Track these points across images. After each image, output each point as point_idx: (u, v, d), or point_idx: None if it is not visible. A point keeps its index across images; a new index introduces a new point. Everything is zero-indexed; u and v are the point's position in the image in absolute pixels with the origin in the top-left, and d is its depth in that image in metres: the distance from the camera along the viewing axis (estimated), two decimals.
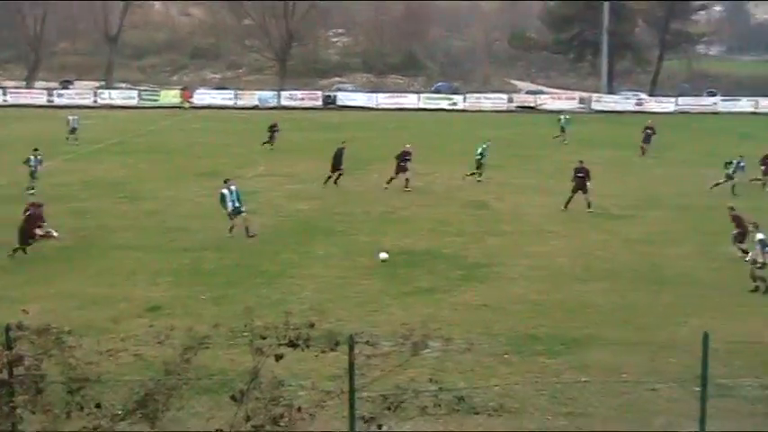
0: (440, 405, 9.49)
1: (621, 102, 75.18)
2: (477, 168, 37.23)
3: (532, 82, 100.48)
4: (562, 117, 54.23)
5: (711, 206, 32.30)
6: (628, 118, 67.56)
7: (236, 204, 26.50)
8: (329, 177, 35.54)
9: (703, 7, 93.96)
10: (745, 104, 74.50)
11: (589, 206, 31.31)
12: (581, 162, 32.58)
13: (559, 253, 25.56)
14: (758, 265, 22.10)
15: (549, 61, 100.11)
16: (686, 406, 11.60)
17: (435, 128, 51.30)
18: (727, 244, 25.61)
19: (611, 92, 79.12)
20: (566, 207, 31.39)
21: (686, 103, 74.91)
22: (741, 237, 24.61)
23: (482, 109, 71.63)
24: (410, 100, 72.86)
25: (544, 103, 74.08)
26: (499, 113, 70.31)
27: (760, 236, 22.29)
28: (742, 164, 35.99)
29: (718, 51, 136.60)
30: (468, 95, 74.19)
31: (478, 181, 36.96)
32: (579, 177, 31.74)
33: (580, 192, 31.43)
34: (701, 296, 21.52)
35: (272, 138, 47.31)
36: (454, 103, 72.29)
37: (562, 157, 42.95)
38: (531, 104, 73.51)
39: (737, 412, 14.78)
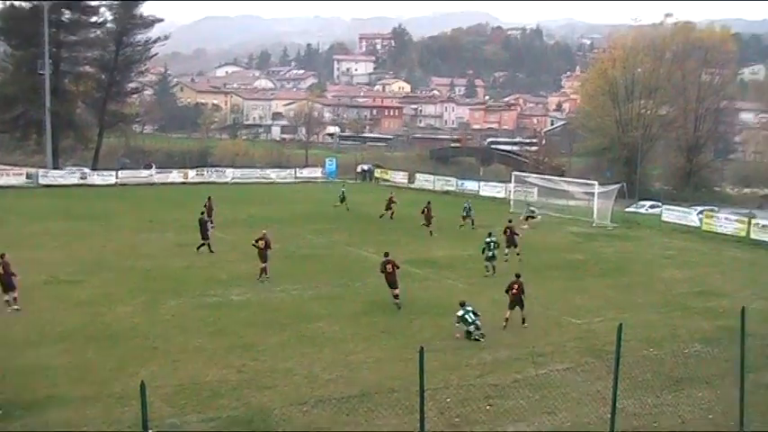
0: None
1: (67, 176, 72.98)
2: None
3: None
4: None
5: (150, 267, 32.99)
6: (73, 191, 65.90)
7: None
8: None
9: (136, 91, 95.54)
10: (176, 175, 77.01)
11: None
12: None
13: (13, 321, 24.05)
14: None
15: None
16: None
17: None
18: (167, 299, 26.23)
19: (56, 167, 76.28)
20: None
21: (126, 175, 75.16)
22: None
23: None
24: None
25: None
26: None
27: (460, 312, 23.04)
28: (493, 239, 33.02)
29: (152, 129, 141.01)
30: None
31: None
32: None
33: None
34: (150, 348, 21.83)
35: None
36: None
37: (26, 229, 41.31)
38: None
39: None
